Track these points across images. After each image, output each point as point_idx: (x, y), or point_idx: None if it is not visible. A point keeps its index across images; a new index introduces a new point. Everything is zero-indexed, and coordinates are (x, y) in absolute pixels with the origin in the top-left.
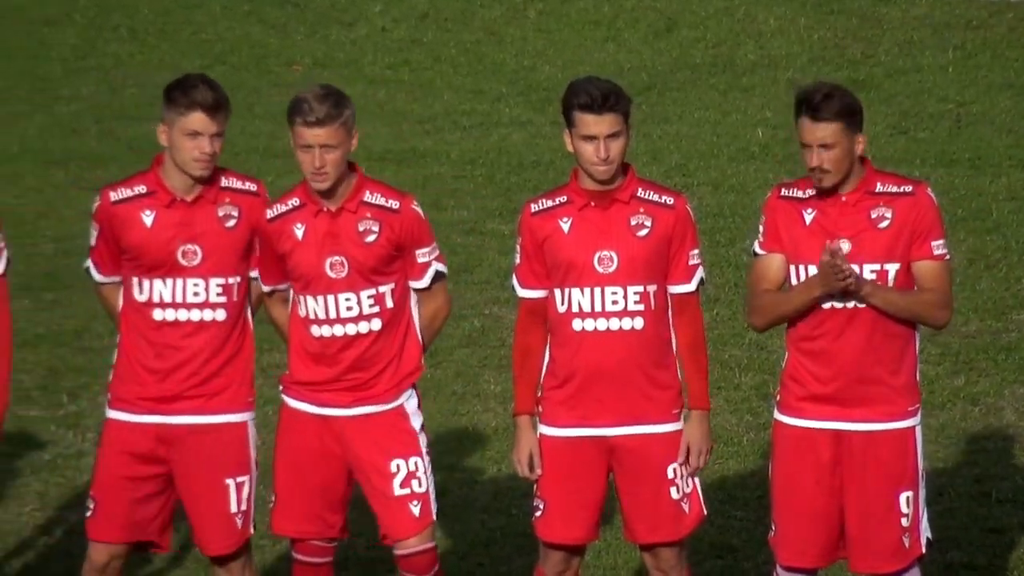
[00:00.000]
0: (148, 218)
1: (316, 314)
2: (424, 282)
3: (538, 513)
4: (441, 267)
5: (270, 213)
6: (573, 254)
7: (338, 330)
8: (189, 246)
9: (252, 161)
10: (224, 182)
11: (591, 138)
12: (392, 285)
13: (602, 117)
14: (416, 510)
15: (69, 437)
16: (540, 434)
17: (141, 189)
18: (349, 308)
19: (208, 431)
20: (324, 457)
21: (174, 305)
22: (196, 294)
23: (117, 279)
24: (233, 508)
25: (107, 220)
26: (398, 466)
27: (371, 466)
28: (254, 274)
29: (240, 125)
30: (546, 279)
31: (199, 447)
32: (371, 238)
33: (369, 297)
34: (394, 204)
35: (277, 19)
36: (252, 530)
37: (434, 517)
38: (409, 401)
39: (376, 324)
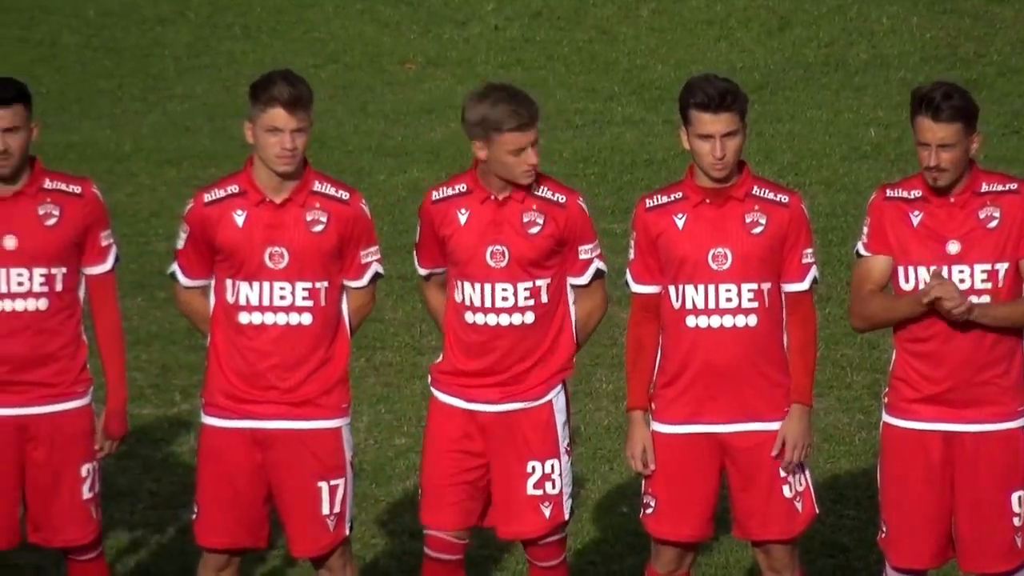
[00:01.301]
0: (240, 218)
1: (472, 301)
2: (584, 279)
3: (649, 510)
4: (602, 265)
5: (436, 195)
6: (687, 251)
7: (491, 319)
8: (276, 248)
9: (365, 159)
10: (317, 186)
11: (708, 137)
12: (549, 280)
13: (719, 116)
14: (547, 511)
15: (182, 435)
16: (652, 431)
17: (233, 189)
18: (504, 298)
19: (301, 436)
20: (468, 452)
21: (261, 308)
22: (283, 297)
23: (201, 283)
24: (325, 510)
25: (199, 222)
26: (533, 467)
27: (508, 464)
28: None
29: (353, 124)
30: (659, 275)
31: (292, 451)
32: (535, 230)
33: (525, 289)
34: (561, 199)
35: (390, 17)
36: (348, 531)
37: (565, 517)
38: (558, 398)
39: (529, 317)
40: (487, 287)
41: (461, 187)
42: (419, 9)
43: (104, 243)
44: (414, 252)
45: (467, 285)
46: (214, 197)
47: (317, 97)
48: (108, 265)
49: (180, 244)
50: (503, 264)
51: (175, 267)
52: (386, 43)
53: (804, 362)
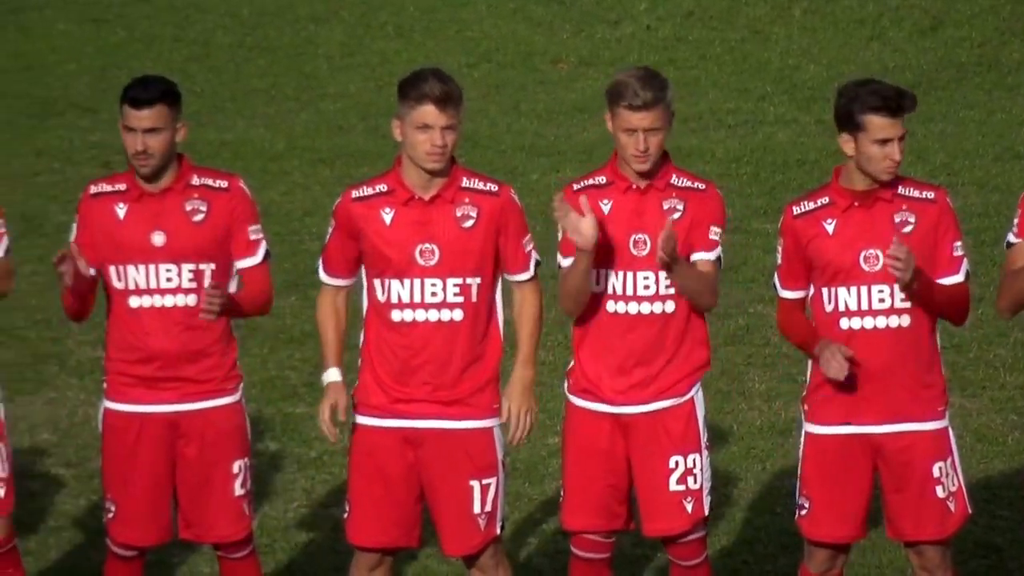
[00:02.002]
0: (387, 216)
1: (615, 289)
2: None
3: (803, 511)
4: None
5: (576, 186)
6: (839, 255)
7: (632, 308)
8: (426, 245)
9: (517, 159)
10: (465, 182)
11: (886, 141)
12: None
13: (896, 120)
14: (689, 507)
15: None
16: (806, 432)
17: (382, 188)
18: (647, 287)
19: (453, 435)
20: (611, 454)
21: (412, 305)
22: (434, 294)
23: (341, 282)
24: (477, 509)
25: (346, 217)
26: (676, 462)
27: (651, 461)
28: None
29: (506, 123)
30: (805, 281)
31: (444, 450)
32: (677, 216)
33: (667, 285)
34: (699, 186)
35: (543, 17)
36: (500, 530)
37: (706, 512)
38: (698, 394)
39: (670, 306)
40: (629, 276)
41: (600, 179)
42: (572, 8)
43: (252, 237)
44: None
45: (611, 275)
46: (362, 194)
47: (470, 96)
48: (258, 258)
49: (327, 239)
50: (644, 253)
51: (319, 265)
52: (539, 42)
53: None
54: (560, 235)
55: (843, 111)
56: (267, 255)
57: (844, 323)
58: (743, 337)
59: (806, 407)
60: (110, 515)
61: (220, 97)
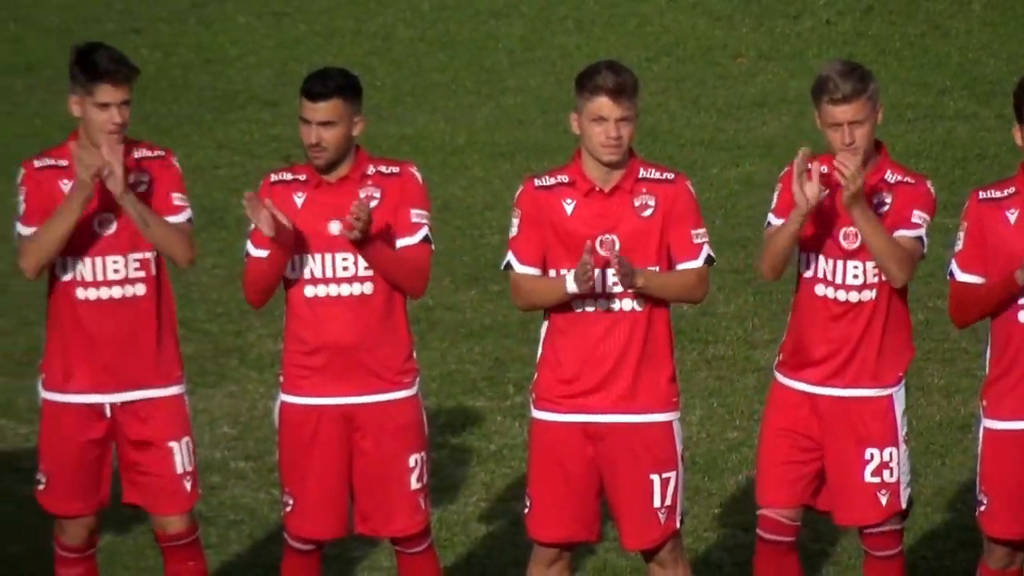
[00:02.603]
0: (569, 207)
1: (826, 275)
2: None
3: (983, 508)
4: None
5: (823, 168)
6: (1019, 246)
7: (841, 295)
8: (607, 236)
9: (697, 153)
10: (642, 173)
11: None
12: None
13: None
14: (884, 499)
15: (515, 428)
16: (984, 428)
17: (563, 178)
18: (855, 276)
19: (633, 429)
20: (807, 437)
21: (594, 296)
22: (615, 284)
23: (536, 271)
24: (656, 503)
25: (531, 204)
26: (872, 455)
27: (845, 450)
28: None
29: (686, 117)
30: (984, 267)
31: (624, 444)
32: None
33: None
34: (909, 180)
35: (723, 11)
36: (679, 524)
37: (903, 507)
38: (900, 389)
39: (872, 295)
40: (839, 263)
41: (824, 168)
42: (752, 2)
43: (415, 219)
44: None
45: (822, 259)
46: (544, 183)
47: (649, 91)
48: (416, 239)
49: (513, 231)
50: (855, 245)
51: (509, 256)
52: (718, 36)
53: None
54: (776, 197)
55: (1018, 102)
56: (427, 240)
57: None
58: (922, 332)
59: (984, 402)
60: (288, 508)
61: (400, 91)
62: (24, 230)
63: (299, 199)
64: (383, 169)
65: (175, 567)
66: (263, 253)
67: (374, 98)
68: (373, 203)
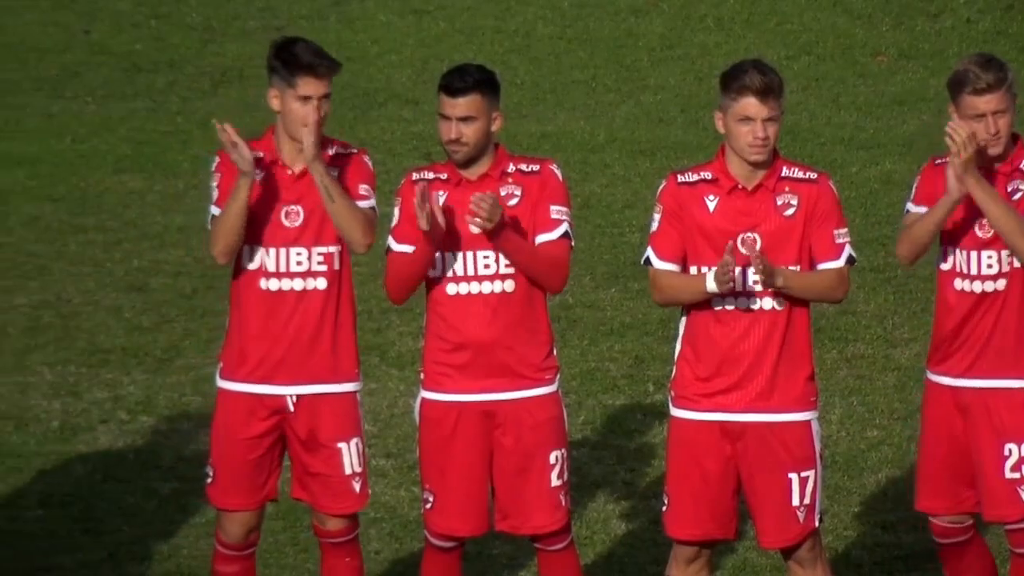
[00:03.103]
0: (711, 203)
1: (962, 268)
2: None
3: None
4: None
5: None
6: None
7: (976, 287)
8: (749, 235)
9: (837, 152)
10: (785, 171)
11: None
12: None
13: None
14: (1023, 494)
15: (655, 426)
16: None
17: (706, 175)
18: (990, 266)
19: (771, 428)
20: (958, 434)
21: (734, 294)
22: (756, 282)
23: (677, 268)
24: (795, 502)
25: (673, 199)
26: (1010, 450)
27: (985, 445)
28: None
29: (826, 115)
30: None
31: (762, 443)
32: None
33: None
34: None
35: (863, 9)
36: (818, 523)
37: None
38: None
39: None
40: (972, 255)
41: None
42: (892, 1)
43: (555, 216)
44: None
45: (959, 251)
46: (687, 180)
47: (790, 89)
48: (555, 235)
49: (654, 226)
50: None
51: (649, 251)
52: (858, 35)
53: None
54: (915, 186)
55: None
56: (567, 236)
57: None
58: None
59: None
60: (428, 506)
61: (540, 89)
62: (216, 210)
63: (441, 197)
64: (523, 167)
65: (332, 563)
66: (406, 248)
67: (514, 96)
68: (513, 201)
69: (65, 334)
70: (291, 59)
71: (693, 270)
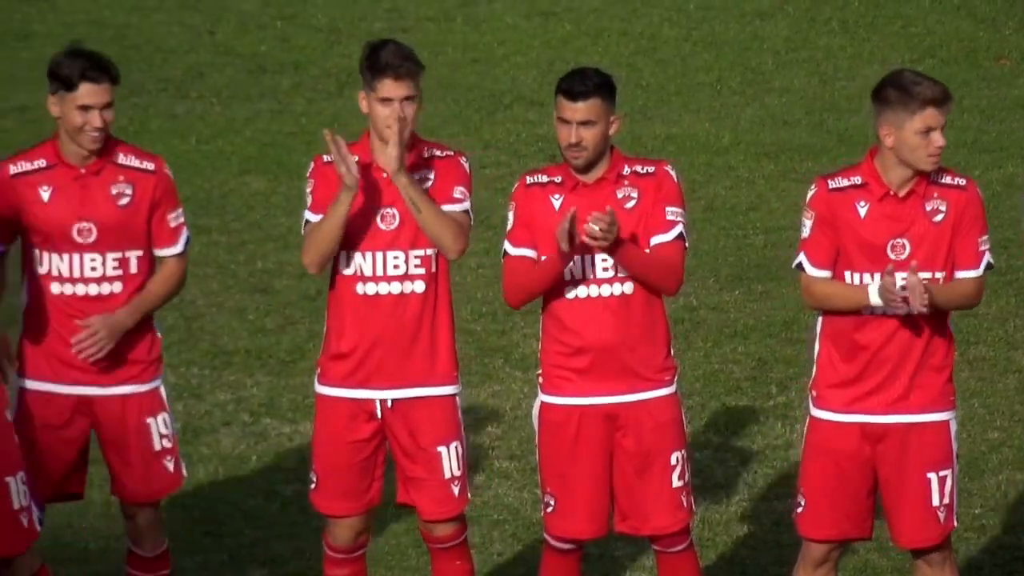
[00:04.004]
0: (862, 210)
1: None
2: None
3: None
4: None
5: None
6: None
7: None
8: (899, 240)
9: (959, 155)
10: (933, 177)
11: None
12: None
13: None
14: None
15: (778, 428)
16: None
17: (856, 180)
18: None
19: (910, 428)
20: None
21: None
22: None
23: (825, 274)
24: (935, 502)
25: (825, 205)
26: None
27: None
28: None
29: (949, 119)
30: None
31: (901, 443)
32: None
33: None
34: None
35: (987, 13)
36: (955, 523)
37: None
38: None
39: None
40: None
41: None
42: (1016, 4)
43: (670, 217)
44: None
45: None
46: (838, 185)
47: None
48: (670, 236)
49: (805, 232)
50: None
51: (801, 257)
52: (982, 38)
53: None
54: None
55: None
56: (681, 237)
57: None
58: None
59: None
60: (549, 509)
61: (666, 91)
62: (311, 216)
63: (556, 201)
64: (639, 169)
65: (442, 567)
66: (525, 252)
67: (640, 98)
68: (631, 203)
69: (188, 336)
70: (374, 61)
71: (849, 277)
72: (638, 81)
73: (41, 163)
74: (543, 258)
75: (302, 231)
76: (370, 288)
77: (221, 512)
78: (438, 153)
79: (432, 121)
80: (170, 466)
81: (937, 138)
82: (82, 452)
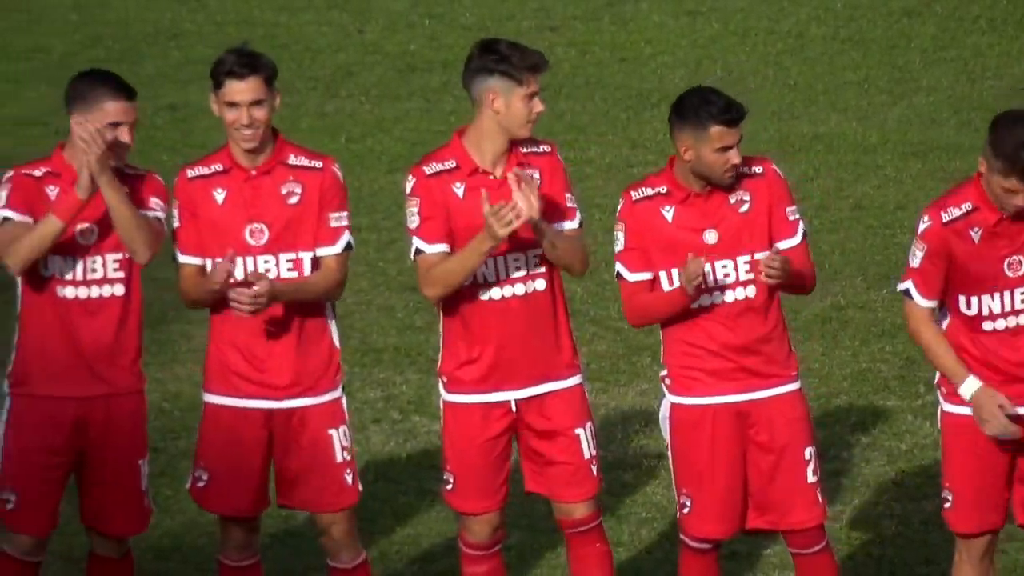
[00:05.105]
0: (975, 234)
1: None
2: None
3: None
4: None
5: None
6: None
7: None
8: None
9: None
10: None
11: None
12: None
13: None
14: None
15: (925, 427)
16: None
17: (967, 207)
18: None
19: None
20: None
21: (1002, 315)
22: None
23: (932, 304)
24: None
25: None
26: None
27: None
28: None
29: None
30: None
31: None
32: None
33: None
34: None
35: None
36: None
37: None
38: None
39: None
40: None
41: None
42: None
43: (791, 217)
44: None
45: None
46: (951, 217)
47: None
48: (796, 240)
49: (915, 263)
50: None
51: (909, 285)
52: None
53: None
54: None
55: None
56: (803, 235)
57: None
58: None
59: None
60: (686, 510)
61: (813, 90)
62: (424, 246)
63: (668, 213)
64: (745, 170)
65: (580, 551)
66: (645, 277)
67: (787, 97)
68: (744, 208)
69: (338, 333)
70: (522, 57)
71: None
72: (785, 80)
73: (217, 167)
74: (673, 286)
75: (411, 257)
76: (495, 293)
77: (371, 509)
78: (535, 149)
79: (580, 119)
80: (349, 479)
81: None
82: (265, 465)
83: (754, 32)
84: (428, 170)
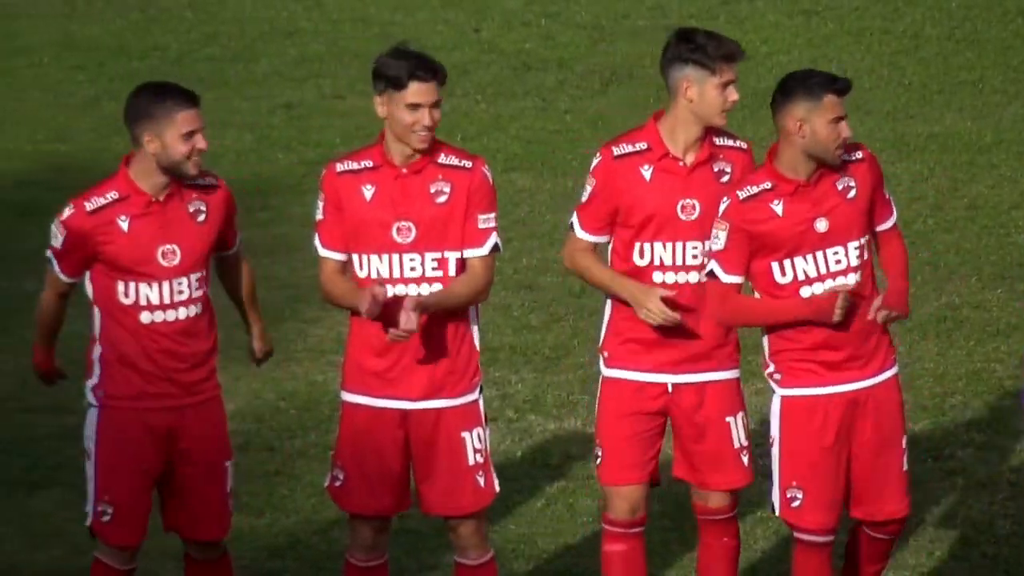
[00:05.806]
0: None
1: None
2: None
3: None
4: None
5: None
6: None
7: None
8: None
9: None
10: None
11: None
12: None
13: None
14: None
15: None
16: None
17: None
18: None
19: None
20: None
21: None
22: None
23: None
24: None
25: None
26: None
27: None
28: None
29: None
30: None
31: None
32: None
33: None
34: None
35: None
36: None
37: None
38: None
39: None
40: None
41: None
42: None
43: (887, 196)
44: None
45: None
46: None
47: None
48: (895, 218)
49: None
50: None
51: None
52: None
53: None
54: None
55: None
56: (894, 225)
57: None
58: None
59: None
60: (796, 504)
61: (928, 90)
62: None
63: (778, 207)
64: (847, 156)
65: (710, 540)
66: (737, 280)
67: (902, 96)
68: (851, 194)
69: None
70: (717, 47)
71: None
72: (900, 80)
73: (368, 163)
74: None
75: (568, 225)
76: (669, 277)
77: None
78: (731, 143)
79: None
80: (481, 481)
81: None
82: (404, 466)
83: (869, 32)
84: (617, 151)
